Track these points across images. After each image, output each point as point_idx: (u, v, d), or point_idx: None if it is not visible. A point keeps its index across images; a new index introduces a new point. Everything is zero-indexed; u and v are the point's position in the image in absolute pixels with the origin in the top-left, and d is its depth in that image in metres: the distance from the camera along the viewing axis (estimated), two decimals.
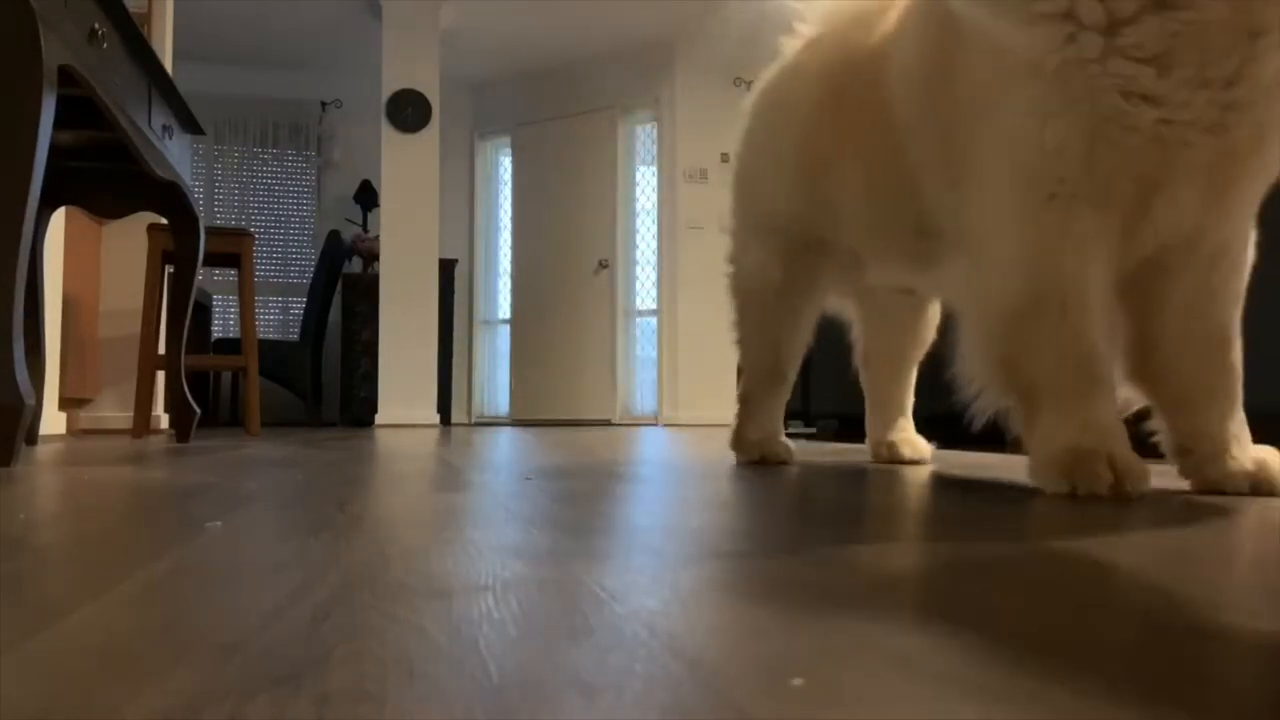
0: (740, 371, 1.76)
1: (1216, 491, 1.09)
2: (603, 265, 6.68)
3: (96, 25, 1.85)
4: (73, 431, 3.91)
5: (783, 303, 1.65)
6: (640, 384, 6.79)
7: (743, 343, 1.73)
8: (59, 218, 3.26)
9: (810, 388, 3.77)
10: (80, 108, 1.92)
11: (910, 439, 1.80)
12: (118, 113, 2.01)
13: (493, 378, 7.46)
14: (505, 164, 7.39)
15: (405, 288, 5.71)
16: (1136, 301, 1.11)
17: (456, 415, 6.90)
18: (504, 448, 2.45)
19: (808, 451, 1.98)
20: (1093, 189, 0.98)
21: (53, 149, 1.65)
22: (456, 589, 0.54)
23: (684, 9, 6.05)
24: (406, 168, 5.73)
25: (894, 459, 1.77)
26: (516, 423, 6.83)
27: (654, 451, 2.34)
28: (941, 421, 3.47)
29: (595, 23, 6.26)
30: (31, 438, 2.40)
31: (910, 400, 1.85)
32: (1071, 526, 0.86)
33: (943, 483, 1.37)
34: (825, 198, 1.48)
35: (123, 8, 1.98)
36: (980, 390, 1.12)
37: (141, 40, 2.16)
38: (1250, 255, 1.11)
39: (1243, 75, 0.91)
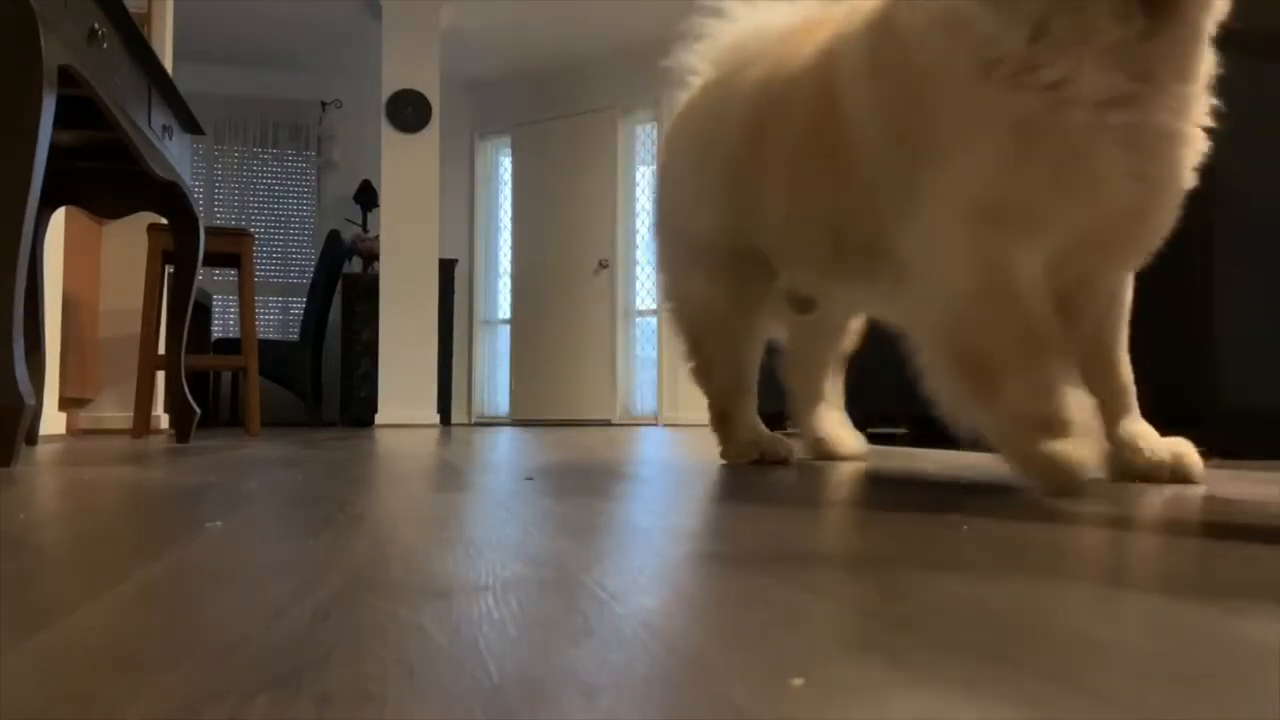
0: (708, 397, 1.74)
1: (1143, 481, 1.20)
2: (603, 265, 6.68)
3: (96, 25, 1.85)
4: (73, 431, 3.91)
5: (737, 320, 1.66)
6: (640, 384, 6.79)
7: (702, 370, 1.72)
8: (59, 218, 3.26)
9: None
10: (80, 108, 1.92)
11: (842, 434, 1.85)
12: (118, 113, 2.01)
13: (493, 378, 7.46)
14: (505, 164, 7.39)
15: (405, 288, 5.71)
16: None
17: (456, 415, 6.90)
18: (504, 448, 2.45)
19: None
20: (1035, 225, 1.09)
21: (53, 149, 1.65)
22: (456, 589, 0.54)
23: (684, 9, 6.05)
24: (406, 168, 5.73)
25: (826, 455, 1.82)
26: (516, 423, 6.84)
27: (654, 451, 2.34)
28: (930, 422, 3.44)
29: (595, 23, 6.26)
30: (31, 438, 2.40)
31: (840, 397, 1.90)
32: (1076, 519, 0.86)
33: (933, 484, 1.37)
34: (757, 214, 1.52)
35: (123, 8, 1.98)
36: (945, 396, 1.16)
37: (141, 40, 2.16)
38: (1129, 297, 1.26)
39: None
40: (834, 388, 1.87)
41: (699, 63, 1.72)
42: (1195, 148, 1.08)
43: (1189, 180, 1.11)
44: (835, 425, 1.84)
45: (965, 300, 1.12)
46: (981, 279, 1.10)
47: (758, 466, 1.67)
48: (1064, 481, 1.02)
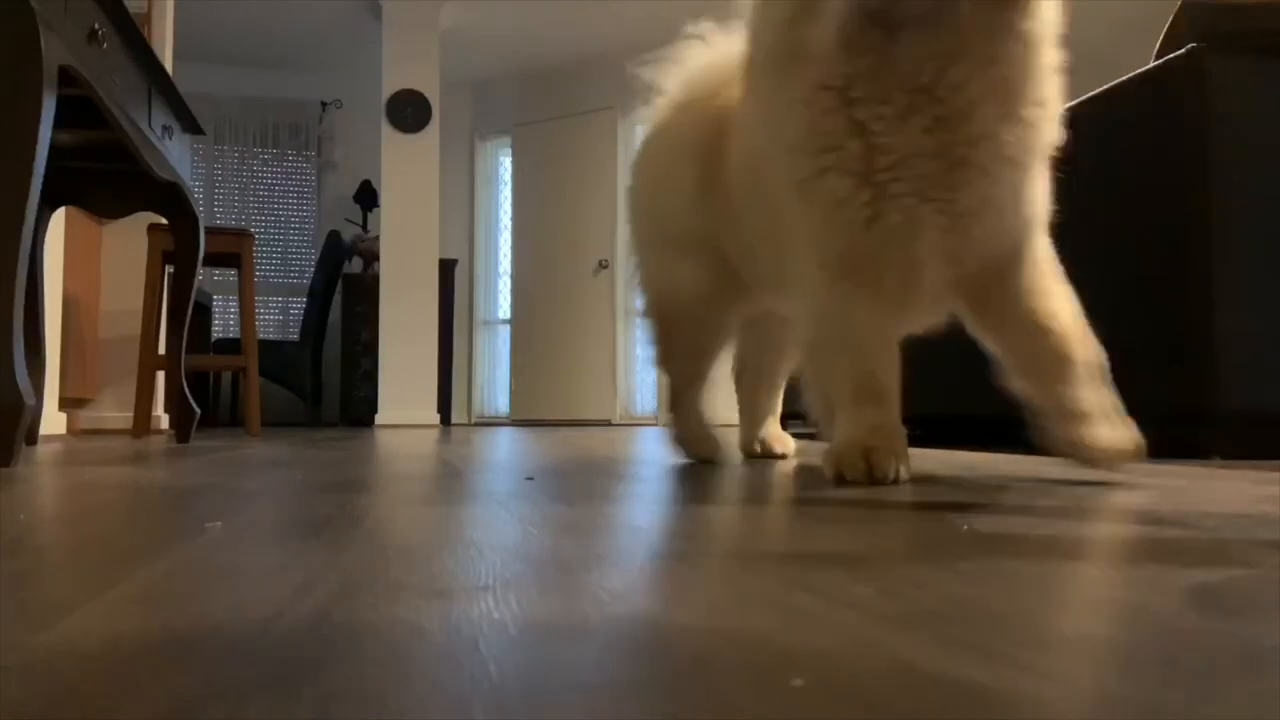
0: (670, 385, 1.80)
1: (1086, 464, 1.27)
2: (603, 265, 6.68)
3: (96, 25, 1.85)
4: (73, 431, 3.92)
5: (714, 308, 1.70)
6: (640, 384, 6.78)
7: (667, 360, 1.77)
8: (59, 218, 3.26)
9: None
10: (80, 108, 1.92)
11: (779, 435, 1.97)
12: (118, 113, 2.01)
13: (493, 378, 7.46)
14: (505, 164, 7.39)
15: (405, 288, 5.72)
16: (988, 324, 1.38)
17: (456, 415, 6.90)
18: (504, 448, 2.45)
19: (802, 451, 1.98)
20: (868, 273, 1.25)
21: (53, 149, 1.65)
22: (456, 589, 0.54)
23: (684, 9, 6.05)
24: (406, 168, 5.73)
25: (766, 454, 1.93)
26: (516, 423, 6.84)
27: (654, 452, 2.34)
28: (936, 422, 3.47)
29: (595, 23, 6.26)
30: (31, 438, 2.40)
31: (779, 406, 2.01)
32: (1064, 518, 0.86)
33: (932, 484, 1.37)
34: (726, 231, 1.61)
35: (123, 8, 1.98)
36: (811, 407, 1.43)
37: (141, 40, 2.16)
38: (1047, 255, 1.34)
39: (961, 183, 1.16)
40: (776, 397, 2.00)
41: (671, 84, 1.80)
42: (1011, 162, 1.17)
43: (1010, 190, 1.20)
44: (772, 427, 1.99)
45: (811, 349, 1.38)
46: (823, 332, 1.33)
47: (760, 466, 1.67)
48: (861, 484, 1.21)
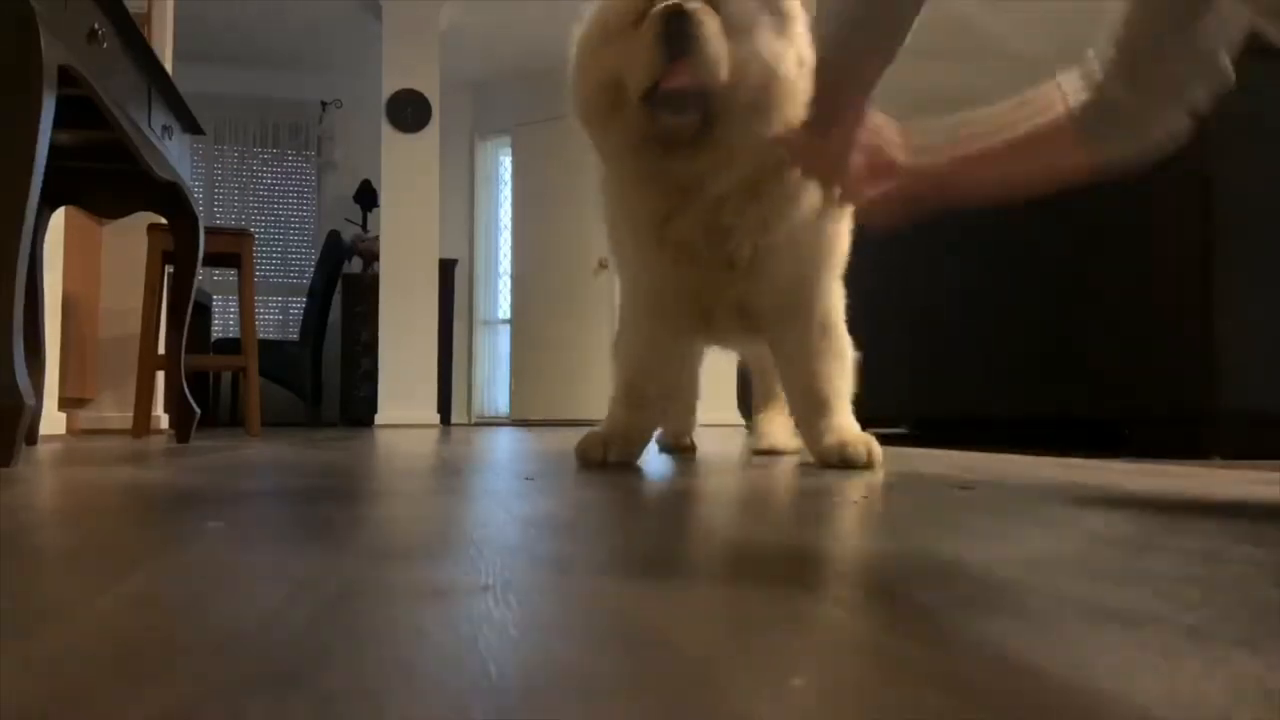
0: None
1: (824, 464, 1.54)
2: (603, 265, 6.67)
3: (96, 25, 1.85)
4: (73, 431, 3.91)
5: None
6: None
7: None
8: (59, 218, 3.26)
9: None
10: (80, 108, 1.92)
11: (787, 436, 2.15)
12: (118, 113, 2.01)
13: (493, 378, 7.46)
14: (505, 164, 7.39)
15: (405, 288, 5.71)
16: (772, 360, 1.76)
17: (456, 415, 6.90)
18: (504, 448, 2.45)
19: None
20: (666, 315, 1.61)
21: (53, 149, 1.65)
22: (456, 589, 0.54)
23: None
24: (406, 168, 5.73)
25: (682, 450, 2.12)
26: (516, 423, 6.83)
27: (654, 452, 2.34)
28: (938, 423, 3.46)
29: None
30: (31, 438, 2.40)
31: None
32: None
33: (932, 484, 1.37)
34: None
35: (123, 8, 1.98)
36: None
37: (141, 40, 2.16)
38: (831, 323, 1.62)
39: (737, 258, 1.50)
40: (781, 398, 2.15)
41: None
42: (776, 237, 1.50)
43: (775, 265, 1.53)
44: (781, 428, 2.15)
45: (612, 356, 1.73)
46: (619, 347, 1.70)
47: (765, 467, 1.67)
48: (591, 464, 1.59)
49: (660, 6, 1.33)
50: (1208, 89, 1.18)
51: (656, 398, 1.65)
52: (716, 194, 1.45)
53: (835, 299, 1.64)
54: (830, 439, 1.54)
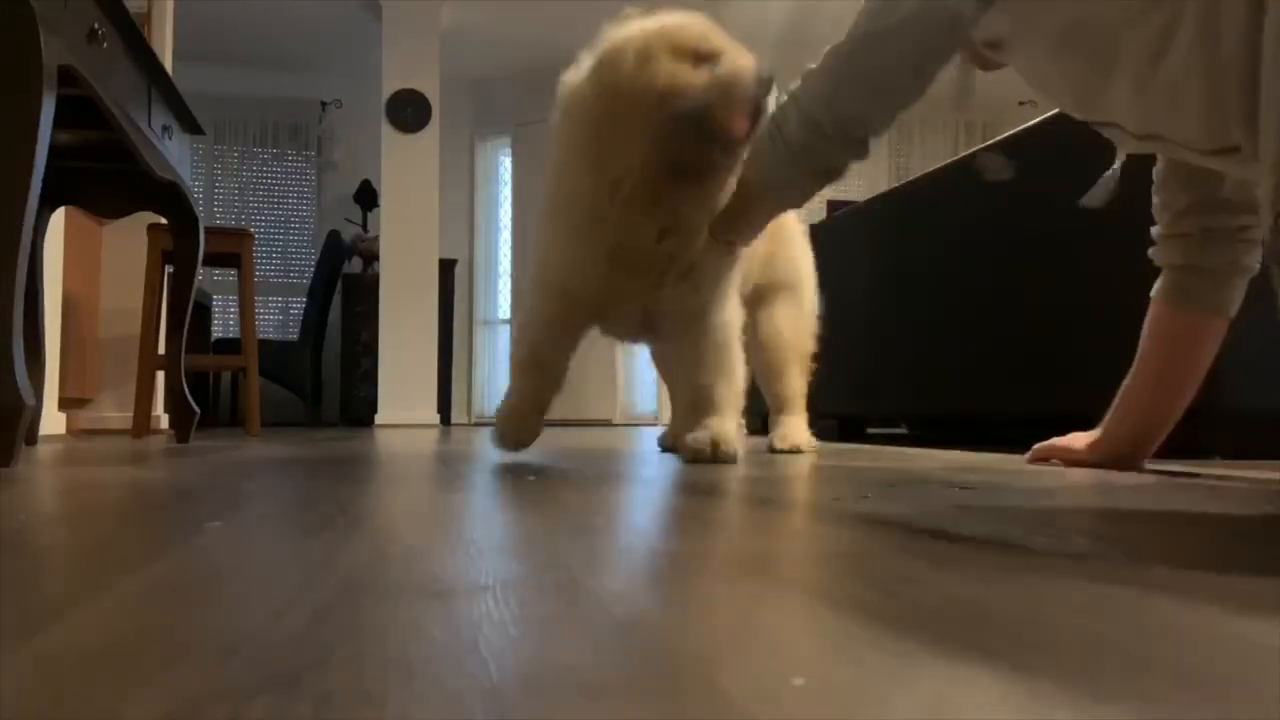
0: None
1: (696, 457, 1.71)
2: None
3: (96, 25, 1.85)
4: (72, 431, 3.91)
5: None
6: (640, 384, 6.78)
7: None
8: (59, 218, 3.26)
9: (810, 389, 3.76)
10: (80, 108, 1.92)
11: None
12: (118, 113, 2.01)
13: (493, 378, 7.45)
14: (505, 164, 7.38)
15: (405, 288, 5.71)
16: (668, 352, 1.97)
17: (456, 415, 6.89)
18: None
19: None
20: (578, 309, 1.77)
21: (53, 149, 1.65)
22: (456, 589, 0.54)
23: (684, 9, 6.05)
24: (406, 168, 5.73)
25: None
26: None
27: (654, 452, 2.34)
28: (937, 422, 3.45)
29: (595, 23, 6.23)
30: (31, 438, 2.40)
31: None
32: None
33: (932, 484, 1.37)
34: None
35: (123, 8, 1.98)
36: None
37: (141, 40, 2.16)
38: (727, 325, 1.80)
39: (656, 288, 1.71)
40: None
41: None
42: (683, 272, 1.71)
43: (698, 286, 1.73)
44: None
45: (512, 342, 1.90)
46: (528, 330, 1.82)
47: (770, 468, 1.68)
48: (506, 441, 1.81)
49: (757, 67, 1.54)
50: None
51: (551, 373, 1.81)
52: (697, 224, 1.65)
53: (727, 316, 1.81)
54: (703, 434, 1.70)
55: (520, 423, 1.81)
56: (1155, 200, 1.54)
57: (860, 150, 1.46)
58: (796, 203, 1.62)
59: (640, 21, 1.63)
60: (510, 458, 1.87)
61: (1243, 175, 1.28)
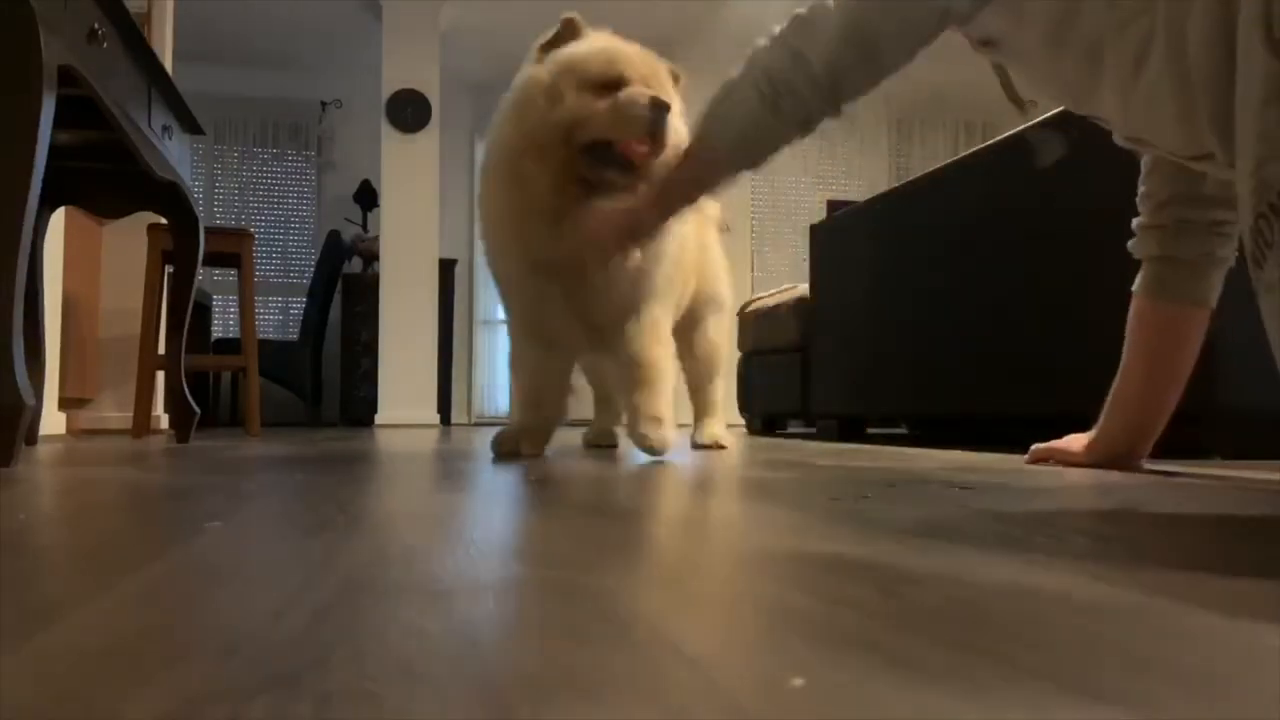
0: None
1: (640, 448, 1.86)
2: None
3: (96, 25, 1.85)
4: (72, 431, 3.91)
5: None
6: None
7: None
8: (59, 218, 3.26)
9: (810, 389, 3.77)
10: (80, 108, 1.92)
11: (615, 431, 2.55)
12: (118, 113, 2.01)
13: (493, 378, 7.46)
14: None
15: (405, 288, 5.71)
16: (603, 359, 2.13)
17: (456, 415, 6.89)
18: None
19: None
20: (540, 337, 1.97)
21: (53, 149, 1.65)
22: (456, 589, 0.54)
23: (684, 9, 6.05)
24: (406, 168, 5.73)
25: (607, 443, 2.53)
26: None
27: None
28: (937, 422, 3.44)
29: (595, 23, 6.24)
30: (31, 438, 2.40)
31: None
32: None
33: (932, 484, 1.37)
34: None
35: (123, 8, 1.98)
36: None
37: (141, 40, 2.16)
38: (648, 358, 1.94)
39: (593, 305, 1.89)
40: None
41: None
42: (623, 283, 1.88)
43: (621, 294, 1.89)
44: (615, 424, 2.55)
45: (511, 374, 2.08)
46: (514, 365, 2.05)
47: (779, 468, 1.67)
48: (506, 459, 1.88)
49: (651, 95, 1.71)
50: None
51: (546, 400, 2.05)
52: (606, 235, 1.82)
53: (656, 334, 1.95)
54: (641, 430, 1.88)
55: (516, 445, 1.99)
56: (1140, 189, 1.55)
57: (835, 111, 1.43)
58: (759, 160, 1.57)
59: (553, 57, 1.82)
60: (510, 458, 1.87)
61: (1222, 177, 1.29)
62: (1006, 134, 2.60)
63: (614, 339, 1.94)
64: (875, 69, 1.38)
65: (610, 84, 1.74)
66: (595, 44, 1.85)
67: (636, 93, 1.71)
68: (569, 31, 1.88)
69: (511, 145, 1.78)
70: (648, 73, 1.80)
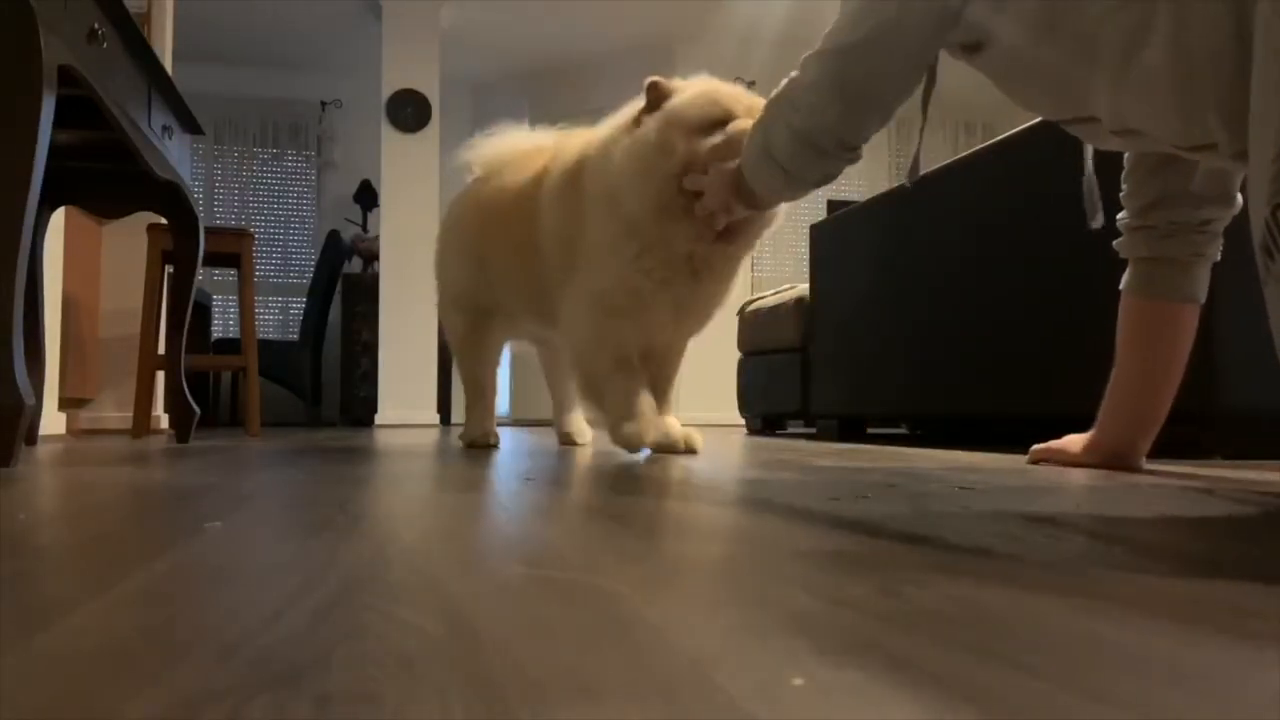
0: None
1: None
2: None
3: (96, 25, 1.85)
4: (72, 431, 3.91)
5: (473, 342, 2.53)
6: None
7: (458, 370, 2.59)
8: (59, 218, 3.26)
9: (810, 389, 3.77)
10: (80, 108, 1.92)
11: (582, 428, 2.64)
12: (118, 113, 2.01)
13: None
14: None
15: (405, 288, 5.71)
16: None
17: (456, 415, 6.89)
18: (504, 448, 2.45)
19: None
20: (633, 312, 1.98)
21: (53, 149, 1.65)
22: (456, 589, 0.54)
23: (684, 9, 6.05)
24: (406, 168, 5.72)
25: (567, 442, 2.58)
26: (516, 423, 6.83)
27: (654, 452, 2.33)
28: (936, 422, 3.44)
29: (595, 23, 6.26)
30: (31, 438, 2.40)
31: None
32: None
33: (932, 483, 1.37)
34: (488, 281, 2.39)
35: (123, 8, 1.98)
36: (582, 402, 2.16)
37: (141, 40, 2.16)
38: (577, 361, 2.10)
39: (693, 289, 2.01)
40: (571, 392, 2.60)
41: (474, 164, 2.64)
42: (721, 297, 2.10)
43: (714, 307, 2.10)
44: (577, 421, 2.66)
45: (585, 347, 2.04)
46: (593, 337, 2.01)
47: (779, 468, 1.67)
48: (634, 445, 1.98)
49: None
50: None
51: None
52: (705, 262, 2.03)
53: (588, 338, 2.03)
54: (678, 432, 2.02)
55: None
56: (1124, 187, 1.55)
57: (855, 156, 1.50)
58: (791, 199, 1.76)
59: (655, 116, 1.92)
60: (510, 457, 1.87)
61: (1220, 166, 1.28)
62: (1006, 134, 2.60)
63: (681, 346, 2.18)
64: (883, 108, 1.43)
65: (715, 123, 1.84)
66: (691, 90, 1.93)
67: (745, 124, 1.75)
68: (657, 94, 1.95)
69: (643, 209, 1.88)
70: (750, 104, 1.87)
